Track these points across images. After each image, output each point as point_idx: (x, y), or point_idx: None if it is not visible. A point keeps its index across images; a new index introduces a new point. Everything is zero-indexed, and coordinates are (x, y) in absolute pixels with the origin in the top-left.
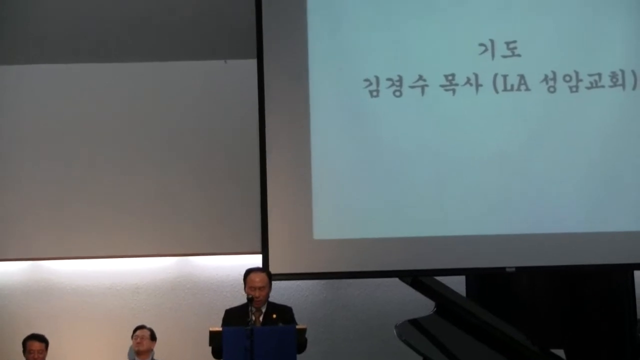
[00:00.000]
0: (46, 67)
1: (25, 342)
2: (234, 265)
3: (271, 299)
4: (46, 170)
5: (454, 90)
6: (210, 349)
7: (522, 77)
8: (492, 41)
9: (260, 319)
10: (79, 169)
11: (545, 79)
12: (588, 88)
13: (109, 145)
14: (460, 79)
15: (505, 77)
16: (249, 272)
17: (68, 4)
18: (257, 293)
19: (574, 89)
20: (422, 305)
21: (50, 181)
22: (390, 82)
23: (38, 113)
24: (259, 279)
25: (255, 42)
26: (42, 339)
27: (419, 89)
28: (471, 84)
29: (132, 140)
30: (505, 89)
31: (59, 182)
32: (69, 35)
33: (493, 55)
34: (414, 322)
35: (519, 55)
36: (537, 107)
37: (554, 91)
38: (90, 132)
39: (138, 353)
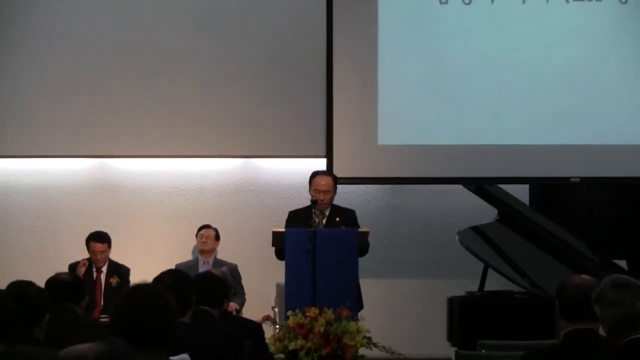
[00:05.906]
0: None
1: (88, 242)
2: (298, 169)
3: (334, 203)
4: (110, 72)
5: None
6: (273, 249)
7: None
8: None
9: (324, 221)
10: (144, 70)
11: None
12: None
13: (173, 45)
14: None
15: None
16: (315, 174)
17: None
18: (321, 196)
19: None
20: (484, 213)
21: (115, 83)
22: None
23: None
24: (324, 182)
25: None
26: (104, 240)
27: None
28: None
29: (198, 40)
30: None
31: (125, 84)
32: None
33: None
34: (476, 229)
35: None
36: (607, 17)
37: (625, 2)
38: (150, 32)
39: (202, 252)
